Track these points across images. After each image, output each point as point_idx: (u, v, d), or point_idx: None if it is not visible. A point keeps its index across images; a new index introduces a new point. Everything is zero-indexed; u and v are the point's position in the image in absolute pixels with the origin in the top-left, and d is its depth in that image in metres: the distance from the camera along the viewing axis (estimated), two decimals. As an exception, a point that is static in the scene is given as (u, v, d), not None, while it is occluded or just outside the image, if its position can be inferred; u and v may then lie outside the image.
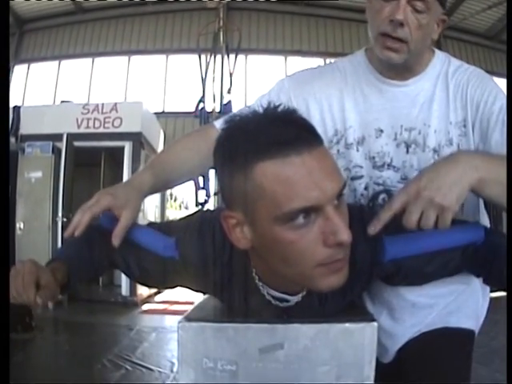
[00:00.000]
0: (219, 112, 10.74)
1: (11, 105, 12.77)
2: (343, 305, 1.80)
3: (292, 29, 19.35)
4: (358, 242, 1.60)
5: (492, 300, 2.36)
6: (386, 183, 2.09)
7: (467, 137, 2.05)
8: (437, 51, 2.20)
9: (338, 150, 2.13)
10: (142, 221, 2.02)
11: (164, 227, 1.86)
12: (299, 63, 19.07)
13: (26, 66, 19.80)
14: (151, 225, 1.97)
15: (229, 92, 11.05)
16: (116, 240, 1.78)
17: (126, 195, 1.85)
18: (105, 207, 1.81)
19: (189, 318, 1.75)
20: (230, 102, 10.94)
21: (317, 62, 18.93)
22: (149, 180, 1.98)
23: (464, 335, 2.12)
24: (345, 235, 1.41)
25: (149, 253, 1.79)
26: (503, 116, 1.99)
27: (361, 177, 2.12)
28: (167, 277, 1.86)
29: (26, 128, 11.73)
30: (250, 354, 1.66)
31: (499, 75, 20.00)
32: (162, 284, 2.02)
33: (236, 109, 11.07)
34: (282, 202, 1.38)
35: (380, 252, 1.71)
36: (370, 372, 1.71)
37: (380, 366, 1.93)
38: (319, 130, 1.81)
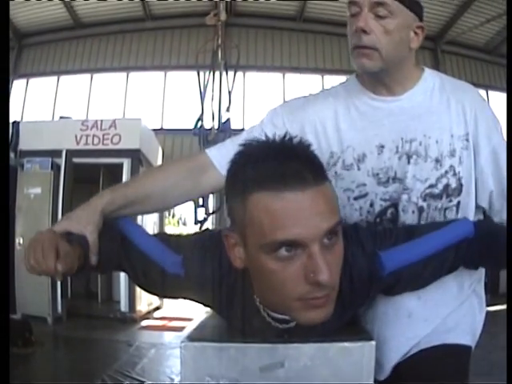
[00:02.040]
0: (218, 129, 10.84)
1: (11, 120, 12.83)
2: (344, 321, 1.85)
3: (290, 45, 19.48)
4: (355, 260, 1.70)
5: (491, 313, 2.41)
6: (393, 197, 2.14)
7: (469, 150, 2.12)
8: (426, 68, 2.26)
9: (336, 172, 2.17)
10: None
11: (173, 242, 1.92)
12: (297, 80, 19.16)
13: (24, 80, 19.84)
14: (161, 235, 2.05)
15: (227, 110, 11.10)
16: (93, 259, 1.87)
17: (82, 215, 1.93)
18: (61, 230, 1.87)
19: (191, 338, 1.81)
20: (228, 119, 11.00)
21: (315, 78, 19.05)
22: (108, 197, 2.04)
23: (462, 352, 2.17)
24: (324, 276, 1.45)
25: (156, 265, 1.85)
26: (492, 144, 2.14)
27: (365, 195, 2.16)
28: (171, 290, 1.94)
29: (24, 143, 11.75)
30: (251, 373, 1.72)
31: (498, 89, 20.12)
32: (164, 294, 2.07)
33: (234, 126, 11.20)
34: (266, 233, 1.45)
35: (379, 268, 1.78)
36: (367, 389, 1.74)
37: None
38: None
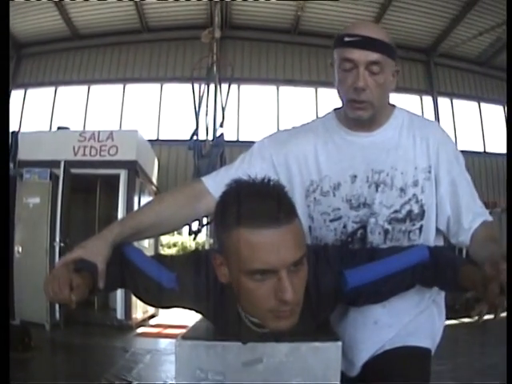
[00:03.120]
0: (212, 142, 11.16)
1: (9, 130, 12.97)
2: (313, 327, 2.16)
3: (284, 58, 19.74)
4: (322, 276, 2.07)
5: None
6: (363, 220, 2.45)
7: (430, 181, 2.45)
8: (397, 106, 2.57)
9: (315, 198, 2.49)
10: (136, 246, 2.40)
11: (168, 261, 2.24)
12: (291, 93, 19.38)
13: (22, 91, 19.95)
14: (158, 256, 2.39)
15: (221, 126, 11.41)
16: (101, 284, 2.17)
17: (94, 246, 2.22)
18: (76, 257, 2.17)
19: (184, 337, 2.17)
20: (222, 134, 11.33)
21: (308, 91, 19.24)
22: (117, 230, 2.33)
23: (422, 353, 2.47)
24: (289, 295, 1.78)
25: (155, 282, 2.17)
26: (452, 175, 2.46)
27: (339, 218, 2.47)
28: (168, 301, 2.27)
29: (23, 153, 11.92)
30: (234, 367, 2.06)
31: (490, 101, 20.32)
32: (162, 305, 2.42)
33: (229, 138, 11.43)
34: (245, 262, 1.77)
35: (342, 283, 2.11)
36: (335, 383, 2.07)
37: (347, 380, 2.31)
38: (297, 180, 2.43)
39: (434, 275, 2.20)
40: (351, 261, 2.16)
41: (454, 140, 2.58)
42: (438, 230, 2.52)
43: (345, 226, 2.47)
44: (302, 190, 2.50)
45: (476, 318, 1.97)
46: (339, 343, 2.10)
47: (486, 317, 1.98)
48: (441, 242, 2.59)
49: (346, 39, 2.31)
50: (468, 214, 2.40)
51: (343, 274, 2.11)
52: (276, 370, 2.05)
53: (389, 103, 2.54)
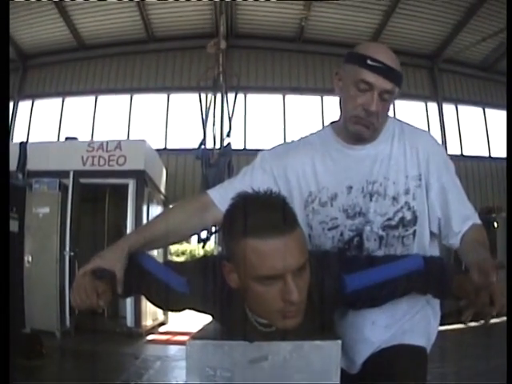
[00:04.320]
0: (219, 151, 11.29)
1: (17, 140, 13.07)
2: (315, 327, 2.30)
3: (290, 66, 19.85)
4: (323, 280, 2.22)
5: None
6: (359, 228, 2.59)
7: (421, 188, 2.59)
8: (390, 117, 2.69)
9: (313, 208, 2.63)
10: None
11: (179, 267, 2.40)
12: (297, 101, 19.47)
13: (29, 102, 20.07)
14: (169, 263, 2.55)
15: (228, 135, 11.59)
16: (120, 290, 2.30)
17: (112, 255, 2.35)
18: (95, 266, 2.29)
19: (195, 337, 2.32)
20: (229, 144, 11.50)
21: (314, 99, 19.31)
22: (132, 240, 2.47)
23: (417, 351, 2.59)
24: (294, 297, 1.96)
25: (167, 287, 2.32)
26: (442, 182, 2.60)
27: (337, 226, 2.61)
28: (180, 304, 2.42)
29: (32, 164, 12.00)
30: (241, 364, 2.20)
31: (494, 106, 20.34)
32: (174, 308, 2.58)
33: (236, 146, 11.53)
34: (255, 269, 1.95)
35: (342, 287, 2.26)
36: (336, 379, 2.22)
37: (348, 377, 2.44)
38: (296, 191, 2.59)
39: (428, 283, 2.35)
40: (350, 266, 2.31)
41: (444, 147, 2.77)
42: (432, 234, 2.66)
43: (342, 234, 2.60)
44: (301, 200, 2.64)
45: (467, 322, 2.14)
46: (339, 342, 2.23)
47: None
48: (436, 246, 2.73)
49: (369, 62, 2.43)
50: (457, 218, 2.53)
51: (343, 278, 2.26)
52: (280, 367, 2.19)
53: None
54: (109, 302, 2.24)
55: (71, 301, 2.18)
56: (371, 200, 2.57)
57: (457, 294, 2.26)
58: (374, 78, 2.42)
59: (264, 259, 1.93)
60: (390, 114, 2.66)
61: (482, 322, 2.15)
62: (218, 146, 11.69)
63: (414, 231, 2.58)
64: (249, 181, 2.61)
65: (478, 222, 2.58)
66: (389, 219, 2.56)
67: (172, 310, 2.66)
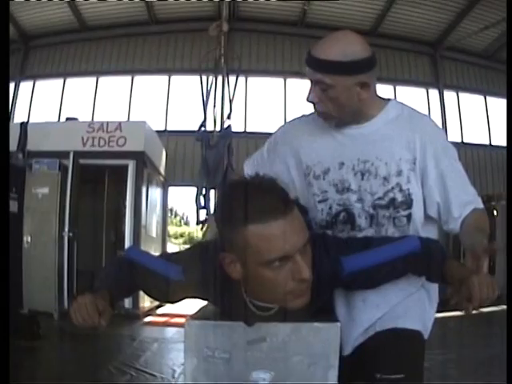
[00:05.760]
0: (219, 133, 11.31)
1: (18, 121, 13.04)
2: (314, 308, 2.29)
3: (291, 50, 19.78)
4: (321, 261, 2.23)
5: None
6: (346, 204, 2.62)
7: (415, 172, 2.59)
8: (392, 100, 2.73)
9: (309, 181, 2.69)
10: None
11: (174, 257, 2.44)
12: (298, 85, 19.43)
13: (31, 82, 20.08)
14: (164, 254, 2.64)
15: (228, 117, 11.58)
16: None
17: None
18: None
19: (193, 318, 2.32)
20: (229, 126, 11.46)
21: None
22: None
23: (411, 335, 2.58)
24: (306, 274, 2.02)
25: (162, 277, 2.32)
26: (440, 168, 2.60)
27: (326, 199, 2.66)
28: (177, 293, 2.41)
29: (32, 144, 11.97)
30: (240, 345, 2.20)
31: (496, 94, 20.34)
32: (171, 298, 2.53)
33: (236, 129, 11.55)
34: (264, 253, 1.97)
35: (339, 268, 2.28)
36: (334, 361, 2.22)
37: (341, 358, 2.43)
38: (297, 165, 2.71)
39: (423, 264, 2.37)
40: (347, 248, 2.33)
41: (445, 132, 2.74)
42: (432, 219, 2.66)
43: (330, 208, 2.65)
44: (301, 172, 2.73)
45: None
46: (338, 324, 2.25)
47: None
48: (435, 230, 2.73)
49: (306, 57, 2.56)
50: (457, 203, 2.53)
51: (340, 260, 2.28)
52: (279, 349, 2.18)
53: (381, 98, 2.70)
54: (110, 318, 2.17)
55: (72, 319, 2.11)
56: (362, 178, 2.60)
57: (445, 279, 2.30)
58: (306, 71, 2.54)
59: (271, 242, 1.97)
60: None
61: (463, 312, 2.14)
62: (218, 128, 11.74)
63: (409, 214, 2.59)
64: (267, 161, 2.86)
65: (480, 206, 2.58)
66: (379, 198, 2.58)
67: (171, 302, 2.66)
